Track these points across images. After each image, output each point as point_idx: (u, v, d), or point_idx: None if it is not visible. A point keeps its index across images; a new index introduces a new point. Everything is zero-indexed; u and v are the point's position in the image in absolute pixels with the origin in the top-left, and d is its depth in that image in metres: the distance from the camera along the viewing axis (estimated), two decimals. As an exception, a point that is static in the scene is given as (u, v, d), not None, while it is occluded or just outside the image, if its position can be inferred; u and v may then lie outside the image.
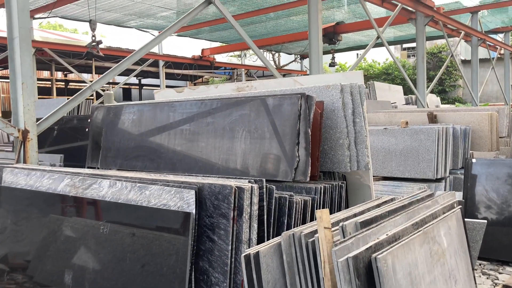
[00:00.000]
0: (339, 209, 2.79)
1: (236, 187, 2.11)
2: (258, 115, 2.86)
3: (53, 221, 2.78)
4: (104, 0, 11.78)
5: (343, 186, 2.80)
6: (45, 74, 20.04)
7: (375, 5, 10.84)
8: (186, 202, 2.17)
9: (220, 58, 18.68)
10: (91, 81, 16.79)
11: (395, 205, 2.37)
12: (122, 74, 18.90)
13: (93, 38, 9.68)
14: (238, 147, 2.92)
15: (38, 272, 2.74)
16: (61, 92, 21.75)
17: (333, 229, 2.01)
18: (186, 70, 16.66)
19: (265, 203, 2.22)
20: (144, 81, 23.00)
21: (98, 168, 3.77)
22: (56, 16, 13.15)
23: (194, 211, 2.13)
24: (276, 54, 23.40)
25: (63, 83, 21.70)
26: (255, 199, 2.14)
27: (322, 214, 1.92)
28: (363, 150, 3.03)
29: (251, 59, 22.23)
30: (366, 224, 2.01)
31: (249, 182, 2.22)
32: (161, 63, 16.26)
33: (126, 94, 25.72)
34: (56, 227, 2.75)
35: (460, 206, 2.75)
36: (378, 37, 9.10)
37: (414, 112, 7.13)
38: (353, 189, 3.35)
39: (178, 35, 16.53)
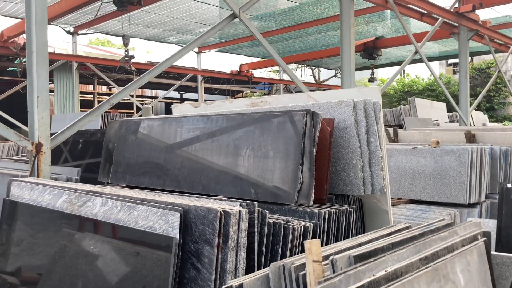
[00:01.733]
0: (347, 237, 2.56)
1: (223, 211, 1.94)
2: (263, 132, 2.69)
3: (50, 238, 2.71)
4: (144, 16, 12.05)
5: (352, 212, 2.57)
6: (90, 88, 20.70)
7: (416, 20, 10.48)
8: (171, 225, 2.02)
9: (258, 73, 18.67)
10: (131, 95, 17.21)
11: (403, 235, 2.12)
12: (162, 88, 19.28)
13: (126, 52, 9.85)
14: (241, 165, 2.75)
15: (31, 290, 2.66)
16: (90, 106, 22.43)
17: (325, 262, 1.80)
18: (223, 85, 16.74)
19: (256, 229, 2.04)
20: (185, 95, 23.35)
21: (108, 183, 3.71)
22: (99, 32, 13.58)
23: (178, 236, 1.98)
24: (316, 69, 23.19)
25: (107, 97, 22.43)
26: (243, 225, 1.96)
27: (311, 245, 1.72)
28: (378, 172, 2.79)
29: (296, 75, 22.10)
30: (362, 258, 1.78)
31: (240, 205, 2.05)
32: (200, 78, 16.41)
33: (169, 108, 26.23)
34: (52, 244, 2.68)
35: (484, 238, 2.45)
36: (416, 52, 8.73)
37: (452, 130, 6.73)
38: (370, 214, 3.11)
39: (216, 51, 16.70)
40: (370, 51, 14.12)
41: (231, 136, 2.85)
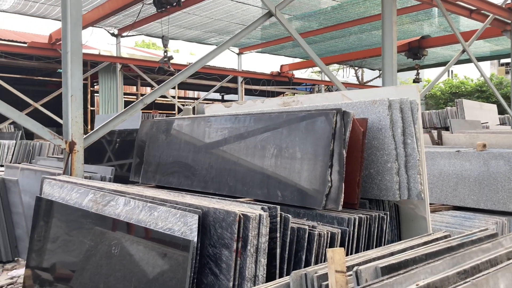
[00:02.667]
0: (380, 245, 2.39)
1: (242, 214, 1.84)
2: (290, 132, 2.56)
3: (76, 237, 2.70)
4: (185, 18, 12.16)
5: (386, 218, 2.40)
6: (134, 89, 21.20)
7: (465, 17, 10.01)
8: (189, 227, 1.94)
9: (299, 74, 18.47)
10: (173, 96, 17.46)
11: (439, 245, 1.94)
12: (204, 90, 19.45)
13: (165, 53, 9.94)
14: (268, 167, 2.64)
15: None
16: (148, 107, 22.90)
17: (350, 272, 1.66)
18: (263, 87, 16.67)
19: (278, 235, 1.92)
20: (226, 97, 23.48)
21: (138, 183, 3.70)
22: (141, 34, 13.85)
23: (195, 239, 1.89)
24: (360, 70, 22.72)
25: (151, 98, 22.82)
26: (264, 230, 1.84)
27: (334, 254, 1.58)
28: (415, 176, 2.60)
29: (338, 75, 21.75)
30: (390, 269, 1.63)
31: (261, 208, 1.94)
32: (240, 79, 16.42)
33: (209, 109, 26.43)
34: (77, 242, 2.67)
35: (533, 251, 2.22)
36: (463, 51, 8.31)
37: (502, 133, 6.33)
38: (406, 221, 2.92)
39: (257, 52, 16.66)
40: (415, 51, 13.64)
41: (258, 136, 2.74)
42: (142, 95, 19.06)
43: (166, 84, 4.68)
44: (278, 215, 1.93)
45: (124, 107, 16.28)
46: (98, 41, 16.93)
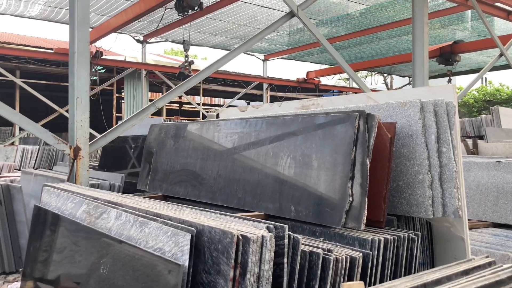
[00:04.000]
0: (409, 272, 2.03)
1: (241, 235, 1.52)
2: (306, 138, 2.24)
3: (67, 251, 2.45)
4: (209, 24, 12.00)
5: (416, 240, 2.04)
6: (159, 96, 21.21)
7: (502, 20, 9.48)
8: (181, 249, 1.64)
9: (326, 81, 18.07)
10: (198, 103, 17.34)
11: (484, 277, 1.58)
12: (229, 97, 19.28)
13: (186, 58, 9.75)
14: (281, 177, 2.33)
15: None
16: (175, 113, 22.89)
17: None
18: (289, 93, 16.35)
19: (285, 260, 1.60)
20: (252, 104, 23.23)
21: (146, 192, 3.44)
22: (167, 41, 13.77)
23: (187, 263, 1.59)
24: (389, 77, 22.14)
25: (178, 105, 22.85)
26: (267, 255, 1.53)
27: (352, 289, 1.26)
28: (451, 190, 2.23)
29: (367, 82, 21.22)
30: (423, 311, 1.29)
31: (266, 228, 1.63)
32: (265, 85, 16.16)
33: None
34: (68, 258, 2.41)
35: None
36: (501, 55, 7.80)
37: (545, 142, 5.81)
38: (441, 241, 2.55)
39: (283, 58, 16.37)
40: (447, 57, 13.06)
41: (270, 142, 2.43)
42: (172, 102, 19.05)
43: (178, 88, 4.43)
44: (286, 236, 1.61)
45: (151, 114, 16.22)
46: (124, 47, 17.02)
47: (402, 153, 2.33)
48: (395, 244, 1.98)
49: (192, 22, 11.51)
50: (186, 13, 7.49)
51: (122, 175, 4.13)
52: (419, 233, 2.07)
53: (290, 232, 1.64)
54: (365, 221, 1.95)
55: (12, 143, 12.06)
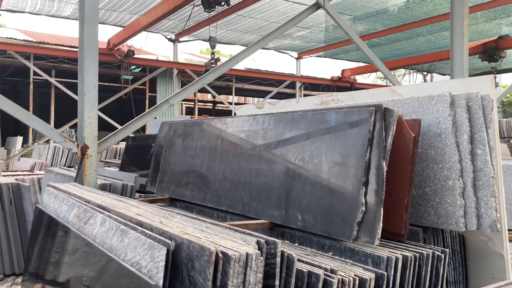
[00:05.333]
0: (434, 295, 1.72)
1: (221, 252, 1.27)
2: (316, 137, 1.96)
3: (60, 255, 2.27)
4: (241, 21, 11.81)
5: (443, 258, 1.73)
6: (192, 95, 21.24)
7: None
8: (156, 265, 1.41)
9: (362, 79, 17.53)
10: (230, 103, 17.20)
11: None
12: (261, 96, 19.05)
13: (212, 55, 9.56)
14: (288, 181, 2.06)
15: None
16: (209, 113, 22.89)
17: None
18: (322, 92, 15.94)
19: (277, 282, 1.33)
20: (269, 100, 22.88)
21: (155, 194, 3.24)
22: (198, 39, 13.68)
23: (161, 283, 1.35)
24: (429, 75, 21.31)
25: (211, 104, 22.84)
26: (253, 277, 1.27)
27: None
28: (487, 199, 1.90)
29: (405, 81, 20.46)
30: None
31: (256, 242, 1.36)
32: (298, 84, 15.83)
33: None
34: (60, 263, 2.23)
35: None
36: (551, 49, 7.18)
37: None
38: (476, 257, 2.21)
39: (317, 56, 15.98)
40: (491, 53, 12.32)
41: (277, 141, 2.16)
42: (199, 101, 19.02)
43: (192, 85, 4.22)
44: (278, 254, 1.34)
45: (183, 114, 16.20)
46: (158, 47, 17.09)
47: (429, 155, 2.02)
48: (417, 263, 1.67)
49: (223, 20, 11.34)
50: (213, 9, 7.31)
51: (136, 175, 3.95)
52: (447, 249, 1.75)
53: (284, 249, 1.37)
54: (380, 235, 1.65)
55: (47, 141, 12.25)
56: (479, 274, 2.20)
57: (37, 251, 2.61)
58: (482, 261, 2.18)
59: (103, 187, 3.87)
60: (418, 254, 1.67)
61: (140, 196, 3.77)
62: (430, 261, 1.69)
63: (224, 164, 2.51)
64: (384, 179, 1.68)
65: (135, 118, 3.72)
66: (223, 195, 2.46)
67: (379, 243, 1.69)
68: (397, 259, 1.60)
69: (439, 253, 1.72)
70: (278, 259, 1.34)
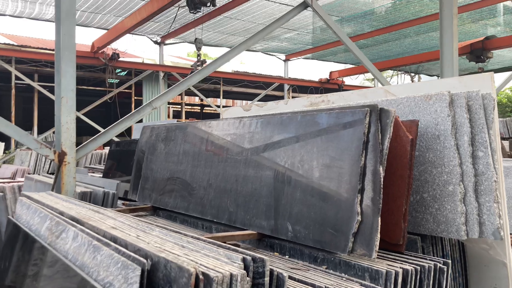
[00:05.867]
0: (437, 311, 1.58)
1: (202, 273, 1.12)
2: (306, 141, 1.82)
3: (29, 272, 2.09)
4: (227, 23, 11.68)
5: (445, 270, 1.59)
6: (179, 98, 21.04)
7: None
8: (130, 287, 1.25)
9: (350, 81, 17.49)
10: (218, 106, 17.03)
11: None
12: (249, 98, 18.92)
13: (198, 57, 9.40)
14: (276, 188, 1.91)
15: None
16: (197, 116, 22.68)
17: None
18: (311, 95, 15.85)
19: (265, 305, 1.19)
20: (257, 102, 22.76)
21: (137, 202, 3.07)
22: (185, 42, 13.50)
23: (134, 308, 1.19)
24: (416, 76, 21.36)
25: (199, 108, 22.63)
26: (237, 300, 1.12)
27: None
28: (490, 205, 1.78)
29: (393, 82, 20.46)
30: None
31: (242, 260, 1.22)
32: (286, 87, 15.72)
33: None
34: (30, 283, 2.05)
35: None
36: (539, 48, 7.15)
37: None
38: (477, 266, 2.08)
39: (305, 58, 15.90)
40: (478, 53, 12.33)
41: (265, 146, 2.02)
42: (187, 104, 18.83)
43: (176, 88, 4.06)
44: (267, 273, 1.20)
45: (170, 117, 15.94)
46: (144, 50, 16.88)
47: (427, 159, 1.89)
48: (418, 277, 1.54)
49: (210, 22, 11.20)
50: (198, 10, 7.15)
51: (118, 182, 3.77)
52: (449, 261, 1.62)
53: (273, 267, 1.22)
54: (377, 247, 1.51)
55: (28, 148, 11.95)
56: (480, 284, 2.07)
57: (8, 267, 2.42)
58: (484, 270, 2.06)
59: (83, 196, 3.69)
60: (419, 267, 1.54)
61: (123, 204, 3.59)
62: (432, 274, 1.55)
63: (208, 170, 2.36)
64: (382, 186, 1.54)
65: (116, 122, 3.55)
66: (207, 204, 2.30)
67: (376, 256, 1.55)
68: (397, 274, 1.46)
69: (441, 265, 1.59)
70: (267, 279, 1.20)
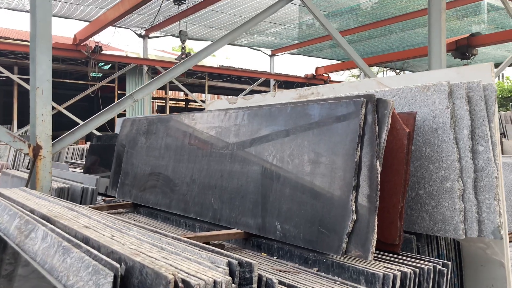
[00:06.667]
0: (436, 316, 1.48)
1: (182, 281, 0.99)
2: (296, 134, 1.70)
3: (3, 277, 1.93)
4: (212, 16, 11.49)
5: (445, 273, 1.49)
6: (164, 93, 20.77)
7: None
8: (101, 295, 1.11)
9: (336, 77, 17.45)
10: (203, 101, 16.84)
11: None
12: (234, 94, 18.74)
13: (183, 50, 9.21)
14: (264, 184, 1.79)
15: None
16: (181, 111, 22.42)
17: None
18: (299, 88, 15.75)
19: (253, 314, 1.06)
20: (243, 95, 22.61)
21: (115, 199, 2.92)
22: (170, 35, 13.27)
23: (106, 319, 1.06)
24: (401, 73, 21.44)
25: (184, 103, 22.36)
26: (221, 310, 0.99)
27: None
28: (490, 202, 1.68)
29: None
30: None
31: (227, 264, 1.09)
32: (272, 82, 15.60)
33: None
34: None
35: None
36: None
37: None
38: (473, 266, 1.99)
39: (291, 53, 15.79)
40: (463, 50, 12.35)
41: (252, 139, 1.89)
42: (171, 99, 18.59)
43: (157, 80, 3.90)
44: (255, 279, 1.07)
45: (154, 112, 15.70)
46: (128, 43, 16.57)
47: (424, 153, 1.78)
48: (417, 279, 1.43)
49: (195, 15, 11.01)
50: (183, 1, 6.97)
51: (98, 178, 3.61)
52: (449, 262, 1.52)
53: (261, 273, 1.10)
54: (374, 248, 1.40)
55: (9, 142, 11.62)
56: (476, 284, 1.98)
57: (-24, 267, 2.26)
58: (480, 270, 1.96)
59: (61, 192, 3.52)
60: (417, 269, 1.43)
61: (103, 200, 3.44)
62: (431, 277, 1.45)
63: (192, 165, 2.23)
64: (378, 182, 1.43)
65: (95, 115, 3.38)
66: (191, 201, 2.17)
67: (372, 258, 1.44)
68: (395, 277, 1.35)
69: (440, 267, 1.49)
70: (255, 286, 1.07)
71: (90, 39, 11.10)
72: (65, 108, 12.11)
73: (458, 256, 2.00)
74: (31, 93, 3.08)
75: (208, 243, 1.75)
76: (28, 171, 5.38)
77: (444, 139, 1.72)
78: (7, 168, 8.84)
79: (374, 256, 1.52)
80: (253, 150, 1.87)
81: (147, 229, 1.54)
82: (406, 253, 1.63)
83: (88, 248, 1.30)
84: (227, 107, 3.15)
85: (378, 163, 1.44)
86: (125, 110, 15.41)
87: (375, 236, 1.40)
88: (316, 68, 16.02)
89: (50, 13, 3.05)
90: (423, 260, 1.52)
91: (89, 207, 2.62)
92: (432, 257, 1.87)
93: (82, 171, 5.77)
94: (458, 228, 1.72)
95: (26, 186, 3.06)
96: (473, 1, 10.02)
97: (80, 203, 3.58)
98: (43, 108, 3.00)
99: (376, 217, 1.42)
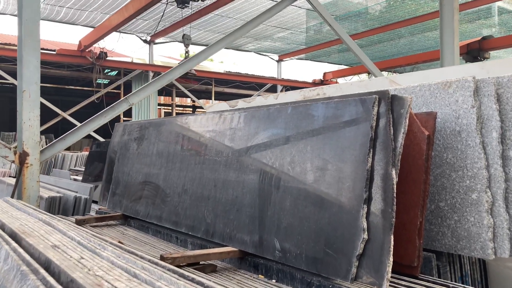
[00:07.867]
0: None
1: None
2: (298, 137, 1.48)
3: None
4: (218, 21, 11.34)
5: (475, 303, 1.25)
6: (170, 99, 20.65)
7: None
8: (51, 337, 0.89)
9: (344, 82, 17.18)
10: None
11: None
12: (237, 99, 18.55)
13: (186, 54, 9.05)
14: (262, 196, 1.56)
15: None
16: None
17: None
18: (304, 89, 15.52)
19: None
20: (244, 98, 22.40)
21: (106, 209, 2.71)
22: (175, 41, 13.13)
23: None
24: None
25: (191, 109, 22.24)
26: None
27: None
28: (524, 217, 1.44)
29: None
30: None
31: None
32: (279, 88, 15.39)
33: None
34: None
35: None
36: (541, 46, 6.87)
37: None
38: (500, 285, 1.75)
39: (299, 59, 15.58)
40: (475, 54, 12.08)
41: (249, 144, 1.67)
42: (178, 105, 18.45)
43: (149, 86, 3.70)
44: (241, 319, 0.84)
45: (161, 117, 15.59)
46: (134, 49, 16.44)
47: (445, 160, 1.55)
48: (441, 311, 1.20)
49: (200, 20, 10.86)
50: (186, 4, 6.80)
51: (91, 186, 3.41)
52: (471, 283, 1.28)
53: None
54: (390, 274, 1.17)
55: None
56: (505, 309, 1.74)
57: None
58: (510, 293, 1.72)
59: (52, 201, 3.32)
60: (442, 299, 1.19)
61: (98, 211, 3.24)
62: (459, 308, 1.21)
63: (184, 173, 2.01)
64: (394, 195, 1.20)
65: (87, 120, 3.18)
66: (182, 213, 1.95)
67: (387, 286, 1.21)
68: (415, 310, 1.12)
69: (469, 296, 1.25)
70: (241, 328, 0.85)
71: (94, 45, 10.99)
72: (70, 115, 11.98)
73: (484, 277, 1.76)
74: (18, 97, 2.89)
75: (197, 263, 1.53)
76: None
77: (469, 143, 1.49)
78: (9, 176, 8.69)
79: (391, 282, 1.29)
80: (250, 156, 1.65)
81: (124, 249, 1.33)
82: (426, 276, 1.39)
83: (45, 275, 1.09)
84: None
85: (393, 172, 1.21)
86: (129, 116, 15.30)
87: (391, 259, 1.17)
88: (324, 73, 15.80)
89: (38, 12, 2.87)
90: (448, 287, 1.29)
91: (76, 219, 2.41)
92: (455, 280, 1.63)
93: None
94: (487, 247, 1.48)
95: (12, 196, 2.87)
96: (484, 3, 9.75)
97: (73, 214, 3.38)
98: (30, 112, 2.81)
99: (392, 236, 1.19)
